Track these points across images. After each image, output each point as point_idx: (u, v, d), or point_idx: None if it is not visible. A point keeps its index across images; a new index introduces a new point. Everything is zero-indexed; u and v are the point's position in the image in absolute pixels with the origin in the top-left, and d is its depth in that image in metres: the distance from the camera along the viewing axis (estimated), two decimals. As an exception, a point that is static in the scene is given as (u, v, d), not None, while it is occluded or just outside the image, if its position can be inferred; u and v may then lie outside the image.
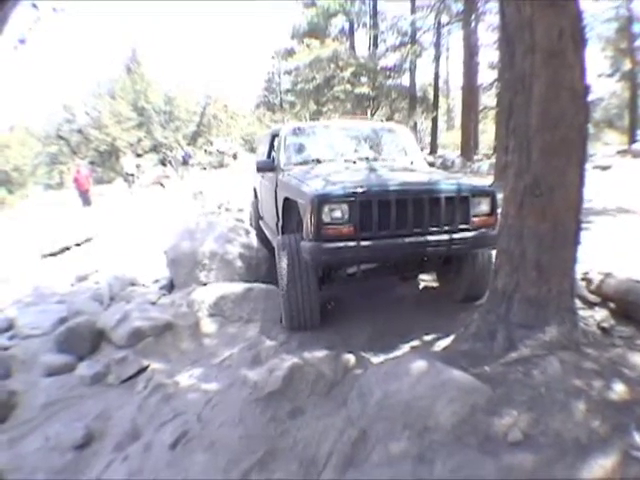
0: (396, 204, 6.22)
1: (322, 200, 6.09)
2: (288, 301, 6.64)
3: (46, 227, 18.24)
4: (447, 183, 6.95)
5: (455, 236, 6.53)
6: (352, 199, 6.11)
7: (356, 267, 7.02)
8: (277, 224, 8.44)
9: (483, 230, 6.77)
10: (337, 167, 7.94)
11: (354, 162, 8.33)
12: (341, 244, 6.10)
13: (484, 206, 6.86)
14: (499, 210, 5.46)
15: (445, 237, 6.48)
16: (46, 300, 9.19)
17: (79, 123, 52.62)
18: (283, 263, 6.70)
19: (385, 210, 6.19)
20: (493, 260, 6.25)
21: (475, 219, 6.72)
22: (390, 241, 6.28)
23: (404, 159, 9.14)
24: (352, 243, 6.11)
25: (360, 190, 6.19)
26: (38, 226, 19.19)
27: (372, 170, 7.60)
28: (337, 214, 6.13)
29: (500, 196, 5.59)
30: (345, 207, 6.13)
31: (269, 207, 9.45)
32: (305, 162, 8.50)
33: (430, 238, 6.41)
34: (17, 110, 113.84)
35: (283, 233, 7.91)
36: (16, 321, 7.88)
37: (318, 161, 8.44)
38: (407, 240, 6.32)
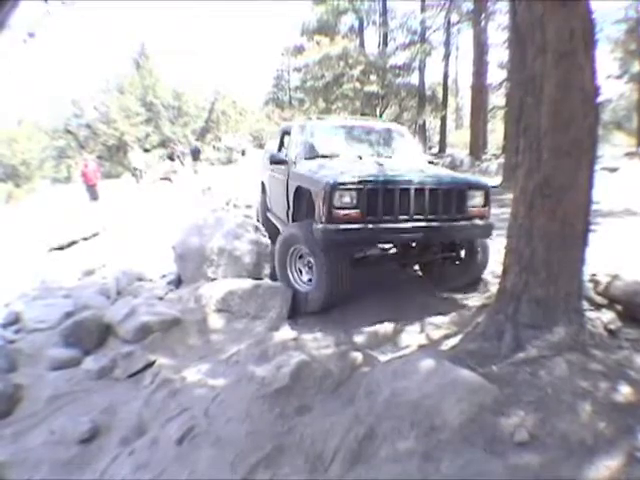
0: (399, 193, 7.02)
1: (334, 187, 6.81)
2: (326, 277, 7.18)
3: (53, 221, 18.25)
4: (446, 177, 7.98)
5: (452, 224, 7.41)
6: (360, 187, 6.87)
7: (362, 252, 8.07)
8: (287, 212, 9.27)
9: (477, 220, 7.64)
10: (345, 161, 8.58)
11: (360, 157, 8.90)
12: (349, 226, 6.83)
13: (479, 199, 7.69)
14: (510, 210, 5.46)
15: (443, 224, 7.31)
16: (53, 294, 9.17)
17: (87, 118, 52.65)
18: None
19: (389, 198, 6.98)
20: (489, 249, 7.98)
21: (470, 210, 7.56)
22: (393, 225, 7.05)
23: (407, 156, 9.80)
24: (359, 225, 6.87)
25: (367, 179, 6.99)
26: (45, 220, 19.20)
27: (378, 164, 8.17)
28: (347, 200, 6.86)
29: (510, 196, 5.64)
30: (354, 194, 6.87)
31: (279, 198, 10.15)
32: (315, 156, 9.03)
33: (429, 224, 7.21)
34: (25, 104, 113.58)
35: (294, 220, 8.84)
36: (22, 315, 7.87)
37: (326, 156, 8.98)
38: (408, 225, 7.11)
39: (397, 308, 7.45)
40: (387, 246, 8.69)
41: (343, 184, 6.89)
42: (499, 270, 5.63)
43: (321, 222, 6.92)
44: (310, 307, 7.55)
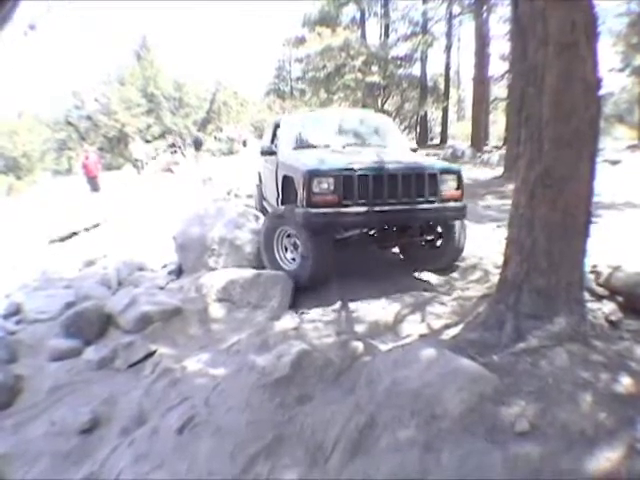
0: (373, 179, 7.61)
1: (312, 174, 7.53)
2: (310, 255, 7.75)
3: (54, 213, 18.25)
4: (419, 163, 8.50)
5: (425, 206, 7.94)
6: (337, 174, 7.52)
7: (341, 234, 8.59)
8: (277, 199, 9.81)
9: (451, 203, 8.21)
10: (328, 150, 9.26)
11: (343, 147, 9.59)
12: (327, 210, 7.48)
13: (451, 182, 8.28)
14: (511, 201, 5.46)
15: (416, 207, 7.88)
16: (53, 285, 9.21)
17: (88, 109, 52.53)
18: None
19: (364, 184, 7.57)
20: (465, 234, 8.53)
21: (443, 193, 8.10)
22: (368, 208, 7.59)
23: (390, 144, 10.41)
24: (336, 209, 7.49)
25: (344, 167, 7.60)
26: (46, 212, 19.20)
27: (357, 153, 8.89)
28: (324, 186, 7.53)
29: (511, 187, 5.66)
30: (331, 180, 7.52)
31: (271, 186, 10.82)
32: (302, 147, 9.83)
33: (402, 207, 7.81)
34: (25, 96, 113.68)
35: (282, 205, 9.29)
36: (23, 306, 7.90)
37: (313, 146, 9.76)
38: (383, 208, 7.67)
39: (383, 289, 7.83)
40: (367, 229, 9.19)
41: (321, 172, 7.59)
42: (500, 260, 5.63)
43: (302, 206, 7.61)
44: (297, 282, 8.00)
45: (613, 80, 49.01)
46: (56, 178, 44.88)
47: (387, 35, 48.88)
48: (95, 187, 25.11)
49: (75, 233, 15.64)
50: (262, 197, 13.38)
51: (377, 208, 7.63)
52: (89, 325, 6.88)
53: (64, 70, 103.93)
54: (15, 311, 7.94)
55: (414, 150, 10.44)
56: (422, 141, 46.48)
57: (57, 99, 53.55)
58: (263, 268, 8.32)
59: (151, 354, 6.11)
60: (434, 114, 55.70)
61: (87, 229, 15.98)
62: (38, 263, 11.62)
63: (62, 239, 15.22)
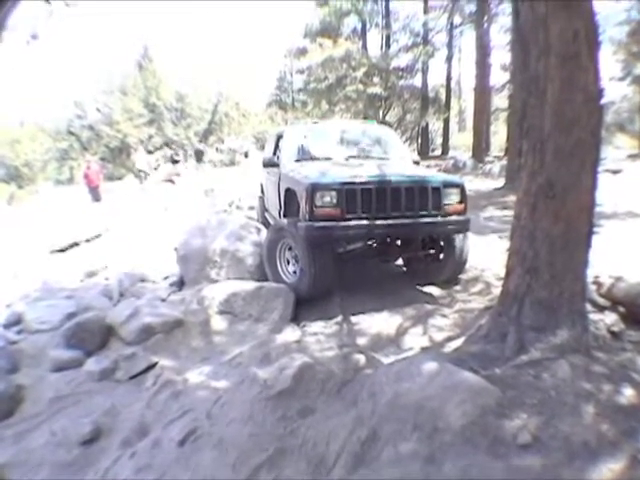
0: (376, 192, 7.56)
1: (315, 188, 7.48)
2: (309, 268, 7.71)
3: (55, 223, 18.23)
4: (422, 176, 8.50)
5: (428, 220, 7.88)
6: (339, 187, 7.46)
7: (343, 247, 8.72)
8: (279, 212, 9.86)
9: (454, 216, 8.11)
10: (331, 163, 9.25)
11: (346, 159, 9.63)
12: (330, 223, 7.44)
13: (454, 196, 8.20)
14: (513, 212, 5.44)
15: (419, 220, 7.81)
16: (55, 295, 9.17)
17: (90, 119, 52.49)
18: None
19: (367, 197, 7.52)
20: (468, 247, 8.43)
21: (447, 207, 8.03)
22: (371, 222, 7.55)
23: (392, 156, 10.43)
24: (339, 223, 7.44)
25: (346, 180, 7.56)
26: (47, 222, 19.18)
27: (360, 165, 8.82)
28: (327, 199, 7.47)
29: (512, 198, 5.66)
30: (334, 194, 7.47)
31: (273, 198, 10.82)
32: (304, 159, 9.80)
33: (406, 221, 7.74)
34: (27, 105, 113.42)
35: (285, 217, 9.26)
36: (24, 316, 7.88)
37: (316, 158, 9.78)
38: (385, 222, 7.62)
39: (385, 302, 7.85)
40: (369, 242, 9.17)
41: (323, 185, 7.56)
42: (502, 272, 5.62)
43: (305, 219, 7.54)
44: (299, 295, 7.97)
45: (614, 89, 48.90)
46: (58, 188, 44.85)
47: (388, 46, 48.81)
48: (97, 197, 25.14)
49: (76, 243, 15.63)
50: (264, 209, 13.35)
51: (380, 222, 7.59)
52: (90, 336, 6.87)
53: (66, 79, 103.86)
54: (16, 321, 7.94)
55: (416, 162, 10.46)
56: (423, 152, 46.26)
57: (59, 108, 53.49)
58: (265, 280, 8.35)
59: (152, 366, 6.10)
60: (435, 125, 55.63)
61: (88, 239, 15.97)
62: (39, 273, 11.61)
63: (63, 249, 15.21)
